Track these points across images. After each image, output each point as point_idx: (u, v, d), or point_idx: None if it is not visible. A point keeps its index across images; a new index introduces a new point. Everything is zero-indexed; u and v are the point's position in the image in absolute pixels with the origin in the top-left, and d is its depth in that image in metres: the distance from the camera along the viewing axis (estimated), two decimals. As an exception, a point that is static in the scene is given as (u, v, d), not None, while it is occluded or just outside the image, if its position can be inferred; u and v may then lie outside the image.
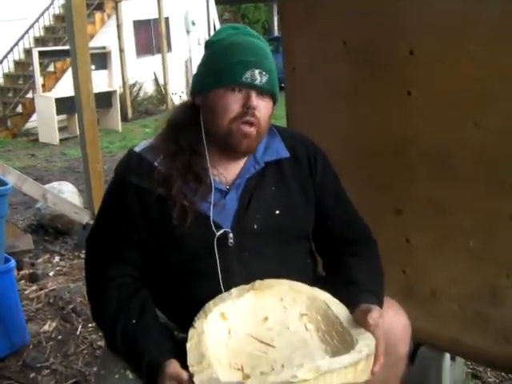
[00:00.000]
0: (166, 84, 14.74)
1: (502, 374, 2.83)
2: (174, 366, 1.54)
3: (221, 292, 1.71)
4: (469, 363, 2.85)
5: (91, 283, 1.84)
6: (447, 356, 2.51)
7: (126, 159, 1.84)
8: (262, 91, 1.71)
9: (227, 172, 1.79)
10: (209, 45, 1.80)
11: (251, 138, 1.71)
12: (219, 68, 1.70)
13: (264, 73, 1.69)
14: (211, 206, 1.73)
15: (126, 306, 1.72)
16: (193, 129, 1.78)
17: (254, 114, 1.69)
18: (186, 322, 1.65)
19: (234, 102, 1.69)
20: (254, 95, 1.69)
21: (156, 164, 1.73)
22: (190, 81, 1.82)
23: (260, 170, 1.81)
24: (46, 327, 3.62)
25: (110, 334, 1.74)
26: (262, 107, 1.71)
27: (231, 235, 1.73)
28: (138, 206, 1.73)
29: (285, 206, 1.79)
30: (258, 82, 1.68)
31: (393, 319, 1.74)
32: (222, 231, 1.72)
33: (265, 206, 1.78)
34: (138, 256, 1.77)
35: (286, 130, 1.99)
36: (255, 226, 1.76)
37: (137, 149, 1.83)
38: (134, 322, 1.69)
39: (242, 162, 1.81)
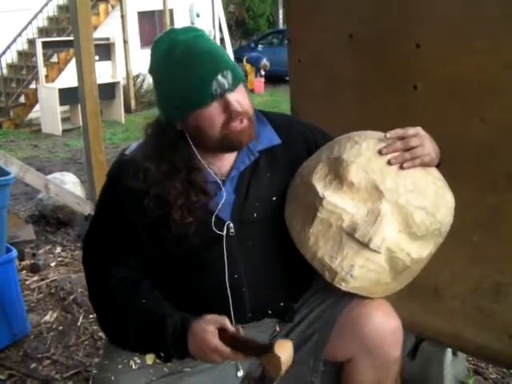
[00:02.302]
0: (169, 76, 14.70)
1: (504, 370, 2.82)
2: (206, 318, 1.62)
3: (225, 282, 1.73)
4: (470, 359, 2.85)
5: (93, 282, 1.85)
6: (449, 351, 2.51)
7: (118, 163, 1.84)
8: (233, 89, 1.68)
9: (221, 163, 1.80)
10: (154, 74, 1.75)
11: (248, 130, 1.72)
12: (185, 93, 1.66)
13: (225, 72, 1.66)
14: (218, 207, 1.74)
15: (132, 293, 1.74)
16: (182, 149, 1.76)
17: (238, 110, 1.68)
18: (193, 314, 1.66)
19: (215, 114, 1.67)
20: (229, 97, 1.67)
21: (148, 165, 1.72)
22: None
23: (254, 159, 1.81)
24: (47, 318, 3.62)
25: (118, 321, 1.74)
26: (241, 100, 1.70)
27: (232, 225, 1.75)
28: (135, 208, 1.74)
29: (280, 192, 1.81)
30: (226, 85, 1.65)
31: (383, 321, 1.75)
32: (222, 222, 1.74)
33: (262, 194, 1.80)
34: (135, 259, 1.78)
35: (275, 114, 1.98)
36: (255, 215, 1.78)
37: (127, 152, 1.83)
38: (144, 301, 1.72)
39: (235, 154, 1.81)
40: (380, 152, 1.62)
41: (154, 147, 1.77)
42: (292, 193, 1.79)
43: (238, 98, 1.69)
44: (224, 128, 1.68)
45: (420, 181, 1.63)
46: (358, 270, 1.64)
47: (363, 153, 1.63)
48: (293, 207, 1.76)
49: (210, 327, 1.58)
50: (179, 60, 1.66)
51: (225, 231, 1.74)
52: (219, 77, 1.64)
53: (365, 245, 1.61)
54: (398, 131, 1.65)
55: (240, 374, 1.83)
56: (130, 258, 1.78)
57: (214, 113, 1.67)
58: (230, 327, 1.59)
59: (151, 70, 1.76)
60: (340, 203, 1.63)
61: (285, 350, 1.49)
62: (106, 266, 1.78)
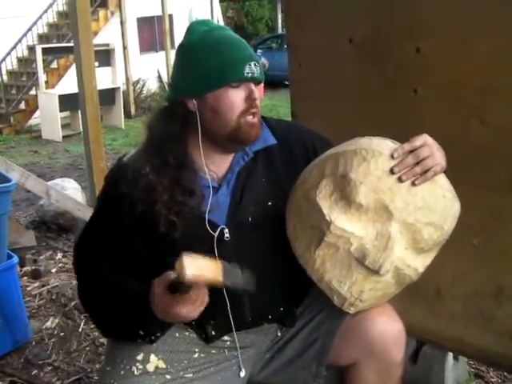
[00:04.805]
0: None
1: (505, 373, 2.82)
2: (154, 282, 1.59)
3: (223, 288, 1.71)
4: (471, 362, 2.85)
5: (81, 281, 1.88)
6: (450, 355, 2.51)
7: (115, 169, 1.85)
8: (258, 81, 1.75)
9: (217, 168, 1.80)
10: (187, 46, 1.77)
11: (257, 126, 1.75)
12: (214, 69, 1.69)
13: (257, 64, 1.73)
14: (208, 205, 1.73)
15: (113, 281, 1.76)
16: (178, 140, 1.77)
17: (257, 104, 1.73)
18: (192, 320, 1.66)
19: (237, 98, 1.71)
20: (254, 88, 1.72)
21: (143, 172, 1.73)
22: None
23: (249, 160, 1.81)
24: (49, 324, 3.62)
25: (100, 308, 1.78)
26: (259, 96, 1.75)
27: (226, 230, 1.75)
28: (130, 214, 1.74)
29: (276, 196, 1.80)
30: (256, 74, 1.72)
31: (387, 325, 1.76)
32: (218, 230, 1.73)
33: (257, 198, 1.79)
34: (125, 261, 1.78)
35: (273, 118, 2.00)
36: (250, 219, 1.77)
37: (125, 158, 1.84)
38: (122, 285, 1.73)
39: (230, 156, 1.82)
40: (391, 171, 1.55)
41: (151, 142, 1.79)
42: (293, 206, 1.73)
43: (258, 95, 1.74)
44: (241, 117, 1.71)
45: (430, 196, 1.57)
46: (367, 294, 1.64)
47: (372, 172, 1.55)
48: (295, 223, 1.71)
49: (158, 289, 1.56)
50: (220, 38, 1.74)
51: (217, 234, 1.74)
52: (252, 64, 1.71)
53: (375, 271, 1.59)
54: (405, 147, 1.57)
55: (242, 374, 1.84)
56: (119, 260, 1.78)
57: (238, 97, 1.71)
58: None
59: (183, 45, 1.78)
60: (348, 227, 1.58)
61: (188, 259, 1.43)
62: (93, 265, 1.80)
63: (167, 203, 1.70)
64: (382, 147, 1.60)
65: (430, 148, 1.59)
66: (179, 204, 1.70)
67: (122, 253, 1.77)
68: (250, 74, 1.70)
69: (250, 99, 1.71)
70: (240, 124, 1.71)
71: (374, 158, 1.57)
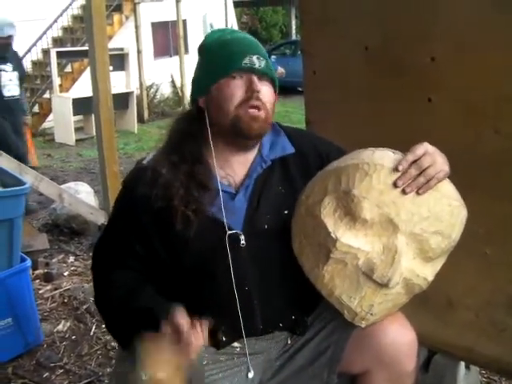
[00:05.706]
0: (182, 86, 14.71)
1: (517, 383, 2.81)
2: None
3: (233, 292, 1.73)
4: (483, 372, 2.83)
5: (98, 288, 1.88)
6: (462, 364, 2.49)
7: (133, 171, 1.86)
8: (262, 75, 1.75)
9: (235, 173, 1.81)
10: (201, 49, 1.83)
11: (260, 120, 1.73)
12: (217, 62, 1.74)
13: (261, 58, 1.75)
14: (222, 209, 1.74)
15: (131, 290, 1.75)
16: (195, 137, 1.79)
17: (259, 97, 1.72)
18: None
19: (237, 89, 1.72)
20: (255, 79, 1.72)
21: (162, 171, 1.74)
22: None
23: (267, 168, 1.82)
24: (60, 327, 3.64)
25: (113, 313, 1.78)
26: (265, 91, 1.75)
27: (242, 236, 1.74)
28: (148, 215, 1.75)
29: (292, 205, 1.78)
30: (257, 65, 1.73)
31: (399, 333, 1.75)
32: (233, 232, 1.74)
33: (274, 206, 1.79)
34: (144, 266, 1.80)
35: (289, 127, 2.00)
36: (266, 227, 1.78)
37: (144, 162, 1.85)
38: (138, 300, 1.72)
39: (248, 162, 1.82)
40: (394, 184, 1.54)
41: (170, 142, 1.82)
42: (298, 222, 1.73)
43: (264, 89, 1.74)
44: (240, 107, 1.71)
45: (435, 206, 1.57)
46: (377, 308, 1.63)
47: (375, 186, 1.55)
48: (301, 240, 1.71)
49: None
50: (231, 38, 1.79)
51: (232, 241, 1.74)
52: (254, 56, 1.73)
53: (384, 285, 1.58)
54: (408, 159, 1.56)
55: (251, 375, 1.84)
56: (138, 265, 1.79)
57: (237, 85, 1.72)
58: None
59: (200, 50, 1.84)
60: (354, 243, 1.58)
61: None
62: (112, 271, 1.81)
63: (184, 198, 1.71)
64: (383, 160, 1.60)
65: (431, 156, 1.57)
66: (195, 200, 1.71)
67: (140, 252, 1.78)
68: (248, 64, 1.71)
69: (250, 90, 1.71)
70: (239, 115, 1.71)
71: (376, 172, 1.57)
